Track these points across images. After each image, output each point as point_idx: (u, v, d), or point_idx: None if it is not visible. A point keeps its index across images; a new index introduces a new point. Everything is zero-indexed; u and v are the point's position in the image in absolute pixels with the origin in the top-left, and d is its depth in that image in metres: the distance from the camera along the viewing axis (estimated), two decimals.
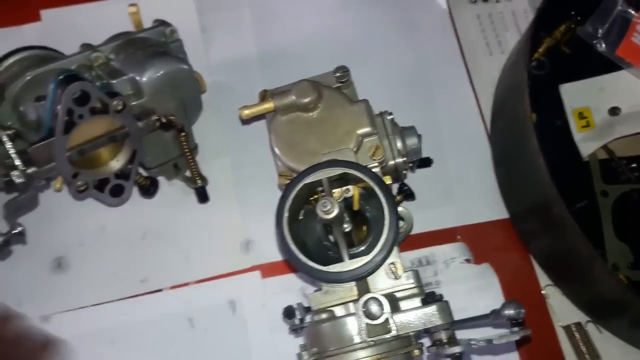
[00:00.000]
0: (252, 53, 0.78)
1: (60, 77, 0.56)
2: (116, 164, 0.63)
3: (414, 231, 0.70)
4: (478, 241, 0.71)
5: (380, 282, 0.54)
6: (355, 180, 0.56)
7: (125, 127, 0.60)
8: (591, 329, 0.68)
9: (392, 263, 0.54)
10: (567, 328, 0.68)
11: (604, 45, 0.72)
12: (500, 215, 0.73)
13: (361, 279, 0.53)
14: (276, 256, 0.69)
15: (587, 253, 0.60)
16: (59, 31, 0.77)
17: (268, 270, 0.69)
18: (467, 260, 0.69)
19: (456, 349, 0.48)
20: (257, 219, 0.70)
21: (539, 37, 0.77)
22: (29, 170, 0.57)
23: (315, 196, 0.59)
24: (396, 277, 0.54)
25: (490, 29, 0.81)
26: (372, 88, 0.70)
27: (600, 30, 0.72)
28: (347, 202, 0.60)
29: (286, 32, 0.78)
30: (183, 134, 0.64)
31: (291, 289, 0.68)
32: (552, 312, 0.69)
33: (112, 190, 0.63)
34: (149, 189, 0.67)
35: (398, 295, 0.53)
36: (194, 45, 0.76)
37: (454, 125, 0.76)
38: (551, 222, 0.64)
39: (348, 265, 0.52)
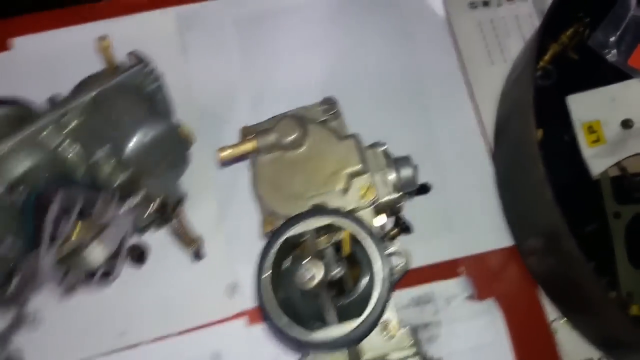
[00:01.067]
0: (238, 72, 0.73)
1: (33, 197, 0.51)
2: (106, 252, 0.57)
3: (414, 265, 0.65)
4: (482, 272, 0.67)
5: (374, 343, 0.50)
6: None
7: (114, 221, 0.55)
8: None
9: (385, 321, 0.50)
10: None
11: (615, 54, 0.66)
12: (506, 242, 0.68)
13: (351, 345, 0.49)
14: None
15: (597, 293, 0.56)
16: (34, 59, 0.72)
17: (255, 316, 0.65)
18: (470, 297, 0.65)
19: None
20: (244, 260, 0.65)
21: (545, 43, 0.72)
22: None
23: (303, 239, 0.55)
24: (391, 337, 0.50)
25: (491, 36, 0.76)
26: (365, 109, 0.67)
27: (611, 39, 0.66)
28: (336, 245, 0.55)
29: (274, 52, 0.73)
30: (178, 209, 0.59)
31: None
32: (561, 348, 0.64)
33: (102, 275, 0.58)
34: (138, 259, 0.63)
35: (393, 357, 0.49)
36: (176, 68, 0.72)
37: (454, 144, 0.71)
38: (559, 255, 0.60)
39: (337, 330, 0.48)
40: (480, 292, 0.65)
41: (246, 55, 0.73)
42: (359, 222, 0.49)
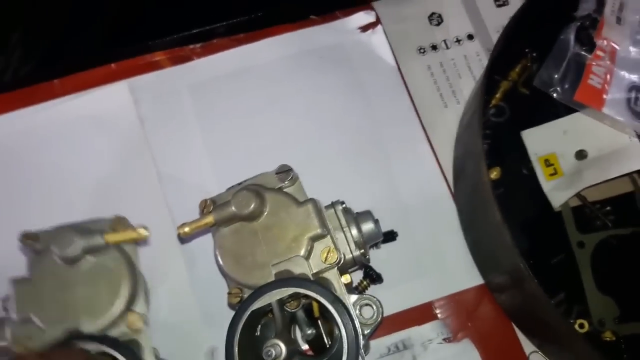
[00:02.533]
0: (197, 139, 0.74)
1: None
2: None
3: (388, 312, 0.67)
4: (456, 313, 0.68)
5: None
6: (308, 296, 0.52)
7: None
8: None
9: None
10: None
11: (560, 91, 0.68)
12: (477, 281, 0.69)
13: None
14: None
15: (565, 328, 0.57)
16: None
17: None
18: (446, 339, 0.66)
19: None
20: (219, 323, 0.66)
21: (495, 81, 0.74)
22: None
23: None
24: None
25: (442, 79, 0.78)
26: (326, 166, 0.68)
27: (555, 76, 0.68)
28: (306, 308, 0.56)
29: (230, 115, 0.74)
30: None
31: None
32: None
33: None
34: None
35: None
36: (135, 140, 0.72)
37: (416, 190, 0.72)
38: (525, 294, 0.61)
39: None
40: (456, 333, 0.66)
41: (203, 121, 0.74)
42: (322, 288, 0.50)
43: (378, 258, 0.67)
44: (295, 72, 0.76)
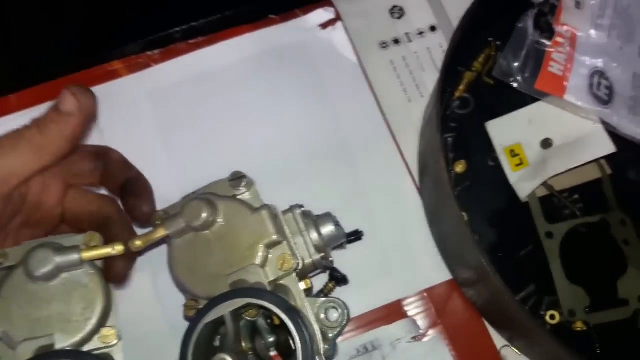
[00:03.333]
0: (158, 147, 0.73)
1: None
2: None
3: (356, 312, 0.66)
4: (426, 309, 0.67)
5: None
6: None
7: None
8: None
9: None
10: None
11: (521, 80, 0.67)
12: (446, 276, 0.68)
13: None
14: None
15: (532, 323, 0.56)
16: None
17: None
18: (414, 338, 0.65)
19: None
20: None
21: (458, 72, 0.73)
22: None
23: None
24: None
25: (406, 73, 0.76)
26: (288, 169, 0.67)
27: (515, 64, 0.67)
28: (266, 315, 0.56)
29: (189, 121, 0.73)
30: None
31: None
32: None
33: None
34: None
35: None
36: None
37: (381, 187, 0.71)
38: (490, 289, 0.60)
39: None
40: (426, 330, 0.66)
41: (163, 128, 0.73)
42: (275, 297, 0.49)
43: (344, 259, 0.66)
44: (256, 74, 0.75)
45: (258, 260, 0.53)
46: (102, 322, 0.54)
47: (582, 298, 0.65)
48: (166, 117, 0.73)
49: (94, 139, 0.72)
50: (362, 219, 0.69)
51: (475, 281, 0.63)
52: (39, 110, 0.71)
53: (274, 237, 0.54)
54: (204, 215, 0.53)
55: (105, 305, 0.54)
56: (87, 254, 0.53)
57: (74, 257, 0.53)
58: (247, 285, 0.52)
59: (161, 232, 0.54)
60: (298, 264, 0.55)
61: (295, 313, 0.48)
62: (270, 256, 0.54)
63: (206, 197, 0.55)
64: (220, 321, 0.51)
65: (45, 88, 0.74)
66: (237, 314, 0.51)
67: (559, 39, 0.67)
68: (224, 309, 0.49)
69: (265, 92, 0.74)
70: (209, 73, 0.75)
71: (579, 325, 0.65)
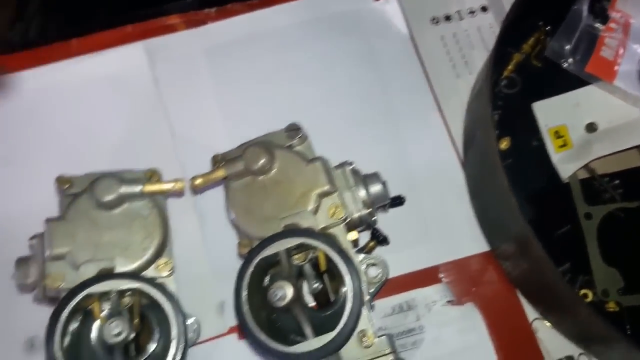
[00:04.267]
0: (211, 101, 0.75)
1: None
2: None
3: (394, 274, 0.67)
4: (461, 278, 0.68)
5: (352, 353, 0.51)
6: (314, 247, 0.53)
7: None
8: None
9: (362, 331, 0.52)
10: None
11: (571, 62, 0.68)
12: (482, 248, 0.69)
13: (330, 354, 0.50)
14: None
15: (570, 295, 0.57)
16: (4, 100, 0.74)
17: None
18: (450, 302, 0.67)
19: None
20: (229, 278, 0.67)
21: (507, 53, 0.74)
22: None
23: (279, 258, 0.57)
24: (368, 345, 0.51)
25: (455, 50, 0.78)
26: (336, 130, 0.68)
27: (567, 47, 0.68)
28: (313, 262, 0.57)
29: (244, 78, 0.75)
30: None
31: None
32: (542, 347, 0.66)
33: None
34: None
35: None
36: (149, 100, 0.74)
37: (425, 157, 0.72)
38: (530, 261, 0.61)
39: (315, 343, 0.50)
40: (460, 297, 0.67)
41: (216, 83, 0.75)
42: (328, 240, 0.51)
43: (385, 222, 0.67)
44: (307, 38, 0.76)
45: (310, 207, 0.55)
46: (158, 253, 0.56)
47: (616, 279, 0.66)
48: (220, 72, 0.75)
49: (148, 89, 0.74)
50: (404, 185, 0.70)
51: (515, 252, 0.64)
52: (97, 56, 0.75)
53: (327, 187, 0.56)
54: (262, 160, 0.55)
55: (162, 238, 0.56)
56: (149, 187, 0.55)
57: (137, 188, 0.55)
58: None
59: (220, 173, 0.56)
60: (348, 215, 0.56)
61: (346, 255, 0.50)
62: (321, 205, 0.56)
63: (264, 144, 0.56)
64: (270, 261, 0.53)
65: (105, 36, 0.76)
66: (288, 254, 0.53)
67: (612, 25, 0.68)
68: (280, 246, 0.51)
69: (317, 56, 0.76)
70: (262, 34, 0.77)
71: (612, 306, 0.66)
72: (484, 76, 0.66)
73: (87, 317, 0.57)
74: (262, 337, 0.49)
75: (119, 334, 0.50)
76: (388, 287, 0.66)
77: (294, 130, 0.59)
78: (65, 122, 0.74)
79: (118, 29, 0.76)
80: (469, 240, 0.70)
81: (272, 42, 0.76)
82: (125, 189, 0.55)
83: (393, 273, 0.67)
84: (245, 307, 0.50)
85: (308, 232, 0.52)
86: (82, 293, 0.52)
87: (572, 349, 0.66)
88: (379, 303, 0.66)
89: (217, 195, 0.70)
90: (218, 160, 0.58)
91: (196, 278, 0.67)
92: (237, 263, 0.64)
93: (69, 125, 0.74)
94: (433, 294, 0.67)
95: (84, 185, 0.58)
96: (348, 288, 0.50)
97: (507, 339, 0.66)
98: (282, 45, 0.76)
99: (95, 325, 0.56)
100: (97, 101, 0.74)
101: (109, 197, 0.55)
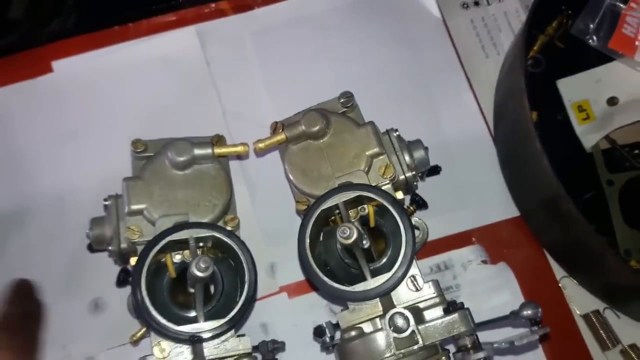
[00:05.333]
0: (259, 80, 0.80)
1: None
2: None
3: (431, 238, 0.72)
4: (493, 241, 0.74)
5: (403, 295, 0.57)
6: (369, 200, 0.59)
7: None
8: (609, 315, 0.71)
9: (413, 276, 0.57)
10: (586, 316, 0.70)
11: (596, 39, 0.74)
12: (512, 213, 0.75)
13: (385, 294, 0.56)
14: (300, 276, 0.72)
15: (598, 246, 0.63)
16: (73, 80, 0.80)
17: (294, 290, 0.72)
18: (484, 262, 0.72)
19: (481, 355, 0.50)
20: (278, 241, 0.73)
21: (533, 35, 0.80)
22: None
23: (333, 217, 0.62)
24: (417, 289, 0.57)
25: (484, 32, 0.84)
26: (376, 105, 0.73)
27: (591, 26, 0.74)
28: (363, 220, 0.63)
29: (289, 59, 0.81)
30: None
31: (318, 305, 0.71)
32: (570, 303, 0.71)
33: None
34: None
35: (421, 305, 0.56)
36: (202, 79, 0.80)
37: (458, 130, 0.78)
38: (560, 218, 0.67)
39: (371, 283, 0.55)
40: (493, 258, 0.72)
41: (264, 64, 0.81)
42: (383, 192, 0.56)
43: (422, 189, 0.73)
44: (347, 21, 0.82)
45: (363, 167, 0.61)
46: (225, 210, 0.62)
47: (637, 240, 0.72)
48: (266, 54, 0.81)
49: (201, 69, 0.80)
50: (439, 156, 0.76)
51: (544, 213, 0.70)
52: (153, 38, 0.80)
53: (377, 149, 0.62)
54: (320, 124, 0.61)
55: (229, 196, 0.62)
56: (219, 150, 0.61)
57: (208, 150, 0.61)
58: None
59: (281, 137, 0.62)
60: (395, 175, 0.62)
61: (400, 205, 0.56)
62: (372, 165, 0.62)
63: (321, 110, 0.62)
64: (327, 215, 0.59)
65: (159, 20, 0.82)
66: (345, 208, 0.58)
67: (633, 4, 0.74)
68: (340, 198, 0.57)
69: (356, 38, 0.82)
70: (305, 18, 0.83)
71: (634, 264, 0.71)
72: (515, 51, 0.72)
73: (158, 271, 0.62)
74: (325, 278, 0.55)
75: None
76: (426, 249, 0.72)
77: (347, 97, 0.64)
78: (125, 99, 0.80)
79: (171, 14, 0.82)
80: (500, 207, 0.75)
81: (314, 25, 0.82)
82: (197, 151, 0.61)
83: (430, 237, 0.72)
84: (308, 252, 0.56)
85: (364, 186, 0.58)
86: (166, 239, 0.57)
87: (598, 304, 0.71)
88: (419, 263, 0.71)
89: (263, 165, 0.76)
90: (277, 127, 0.64)
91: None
92: (285, 228, 0.71)
93: (130, 102, 0.80)
94: (468, 254, 0.72)
95: (156, 148, 0.63)
96: (402, 233, 0.55)
97: (537, 295, 0.71)
98: (323, 28, 0.82)
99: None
100: (154, 80, 0.80)
101: (182, 158, 0.61)
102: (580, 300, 0.71)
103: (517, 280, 0.72)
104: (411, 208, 0.71)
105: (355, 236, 0.53)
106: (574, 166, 0.76)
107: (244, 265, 0.57)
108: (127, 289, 0.65)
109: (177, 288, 0.63)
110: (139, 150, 0.64)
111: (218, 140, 0.63)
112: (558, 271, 0.73)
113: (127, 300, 0.69)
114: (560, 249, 0.72)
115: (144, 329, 0.63)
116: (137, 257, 0.57)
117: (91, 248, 0.72)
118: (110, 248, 0.62)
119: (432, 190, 0.74)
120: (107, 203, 0.64)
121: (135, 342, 0.64)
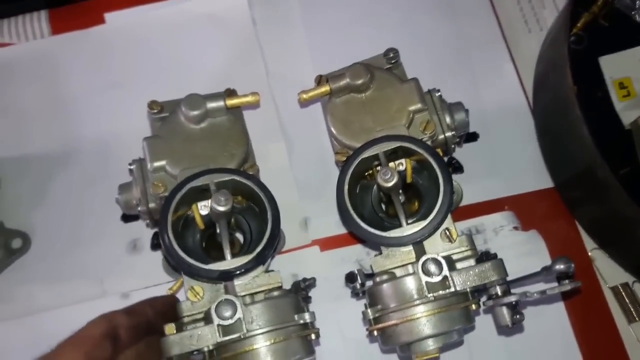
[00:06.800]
0: (302, 41, 0.82)
1: None
2: None
3: (464, 202, 0.74)
4: (525, 210, 0.75)
5: (437, 246, 0.58)
6: (408, 154, 0.60)
7: None
8: (638, 288, 0.71)
9: (447, 228, 0.58)
10: (614, 288, 0.71)
11: None
12: (546, 184, 0.76)
13: (419, 242, 0.57)
14: (332, 231, 0.74)
15: (631, 214, 0.63)
16: (123, 32, 0.83)
17: (325, 244, 0.74)
18: (515, 228, 0.73)
19: (512, 298, 0.52)
20: (313, 197, 0.75)
21: (577, 12, 0.80)
22: None
23: (370, 171, 0.64)
24: (451, 241, 0.58)
25: (528, 7, 0.84)
26: (418, 70, 0.74)
27: (637, 1, 0.74)
28: (400, 176, 0.64)
29: (333, 22, 0.82)
30: None
31: (348, 260, 0.73)
32: (599, 275, 0.72)
33: None
34: None
35: (454, 257, 0.57)
36: (247, 39, 0.81)
37: (497, 101, 0.79)
38: (596, 187, 0.68)
39: (407, 230, 0.57)
40: (524, 226, 0.73)
41: (308, 26, 0.83)
42: (424, 144, 0.58)
43: (459, 155, 0.74)
44: None
45: (404, 122, 0.62)
46: (245, 159, 0.63)
47: None
48: (311, 16, 0.83)
49: (247, 28, 0.82)
50: (477, 124, 0.76)
51: (580, 182, 0.70)
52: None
53: (419, 105, 0.63)
54: (364, 77, 0.62)
55: (246, 146, 0.64)
56: (230, 101, 0.63)
57: (220, 103, 0.63)
58: None
59: (325, 88, 0.63)
60: (436, 132, 0.63)
61: (439, 157, 0.57)
62: (414, 120, 0.63)
63: (366, 64, 0.64)
64: (366, 167, 0.60)
65: None
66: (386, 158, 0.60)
67: None
68: (379, 149, 0.58)
69: (400, 6, 0.83)
70: None
71: None
72: (559, 24, 0.73)
73: (189, 228, 0.64)
74: (361, 222, 0.57)
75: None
76: (459, 212, 0.73)
77: (392, 53, 0.66)
78: (171, 55, 0.82)
79: None
80: (534, 178, 0.76)
81: None
82: (210, 104, 0.63)
83: (464, 202, 0.74)
84: (346, 197, 0.58)
85: (404, 137, 0.59)
86: (188, 185, 0.59)
87: (627, 277, 0.72)
88: None
89: (302, 122, 0.78)
90: (322, 80, 0.65)
91: (284, 197, 0.74)
92: (320, 185, 0.73)
93: (174, 58, 0.82)
94: (501, 219, 0.73)
95: (172, 108, 0.65)
96: (441, 184, 0.57)
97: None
98: None
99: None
100: (200, 38, 0.83)
101: (196, 112, 0.63)
102: (609, 272, 0.72)
103: (547, 248, 0.72)
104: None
105: (395, 179, 0.54)
106: (612, 142, 0.75)
107: (265, 203, 0.58)
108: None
109: (209, 243, 0.65)
110: (155, 111, 0.66)
111: (230, 92, 0.65)
112: (589, 243, 0.73)
113: (161, 262, 0.72)
114: (593, 221, 0.73)
115: (180, 281, 0.65)
116: (159, 213, 0.59)
117: (125, 218, 0.75)
118: (139, 209, 0.65)
119: (468, 157, 0.75)
120: (131, 167, 0.67)
121: (173, 294, 0.67)
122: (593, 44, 0.79)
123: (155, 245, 0.72)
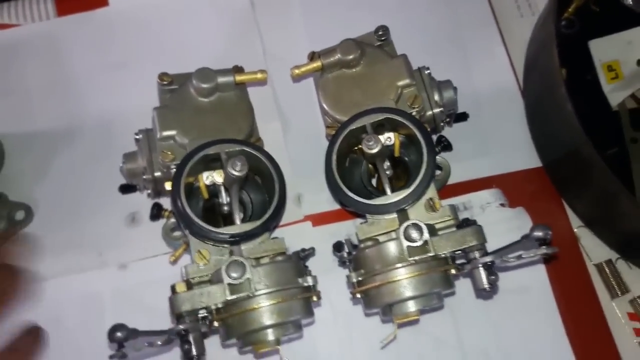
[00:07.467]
0: (300, 24, 0.84)
1: None
2: None
3: (452, 180, 0.76)
4: (513, 188, 0.76)
5: (420, 215, 0.60)
6: (395, 128, 0.62)
7: None
8: (621, 265, 0.73)
9: (430, 198, 0.60)
10: (598, 265, 0.73)
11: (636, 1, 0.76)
12: (534, 164, 0.78)
13: (403, 210, 0.59)
14: (324, 207, 0.76)
15: (615, 190, 0.65)
16: (126, 14, 0.85)
17: (317, 220, 0.76)
18: (502, 205, 0.75)
19: (488, 258, 0.54)
20: (306, 174, 0.77)
21: None
22: None
23: (359, 146, 0.66)
24: (434, 210, 0.60)
25: None
26: (411, 51, 0.76)
27: None
28: (384, 146, 0.66)
29: (330, 1, 0.85)
30: None
31: (338, 235, 0.74)
32: (584, 252, 0.74)
33: None
34: None
35: (437, 226, 0.59)
36: (246, 20, 0.84)
37: (488, 82, 0.81)
38: (581, 166, 0.69)
39: (391, 197, 0.59)
40: (511, 203, 0.75)
41: (306, 9, 0.85)
42: (409, 115, 0.60)
43: (448, 134, 0.76)
44: None
45: (393, 96, 0.64)
46: (251, 133, 0.66)
47: None
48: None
49: (245, 9, 0.84)
50: (468, 105, 0.78)
51: (567, 163, 0.72)
52: None
53: (408, 80, 0.65)
54: (354, 53, 0.65)
55: (252, 121, 0.67)
56: (239, 77, 0.66)
57: (230, 78, 0.65)
58: None
59: (318, 64, 0.66)
60: (423, 107, 0.65)
61: (424, 128, 0.59)
62: (402, 95, 0.65)
63: (356, 40, 0.66)
64: (356, 138, 0.62)
65: None
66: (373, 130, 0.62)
67: None
68: (367, 120, 0.60)
69: None
70: None
71: None
72: (549, 5, 0.75)
73: (192, 194, 0.66)
74: (347, 190, 0.59)
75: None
76: (446, 190, 0.75)
77: (382, 31, 0.68)
78: (172, 36, 0.85)
79: None
80: (522, 157, 0.78)
81: None
82: (220, 78, 0.66)
83: (451, 180, 0.75)
84: (334, 167, 0.60)
85: (392, 109, 0.61)
86: (201, 152, 0.61)
87: (611, 255, 0.73)
88: None
89: (297, 102, 0.80)
90: (315, 56, 0.68)
91: None
92: (314, 162, 0.75)
93: (176, 39, 0.84)
94: (488, 196, 0.75)
95: (182, 81, 0.68)
96: (424, 153, 0.59)
97: (553, 242, 0.73)
98: None
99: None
100: (200, 20, 0.85)
101: (207, 85, 0.65)
102: (594, 250, 0.74)
103: (534, 223, 0.74)
104: (436, 149, 0.74)
105: (379, 147, 0.56)
106: (599, 123, 0.77)
107: (273, 175, 0.61)
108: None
109: (207, 215, 0.67)
110: (165, 82, 0.68)
111: (238, 70, 0.68)
112: (575, 221, 0.75)
113: (161, 231, 0.74)
114: (579, 198, 0.74)
115: (182, 248, 0.68)
116: (172, 178, 0.62)
117: (123, 189, 0.77)
118: (144, 177, 0.67)
119: (457, 136, 0.76)
120: (138, 137, 0.69)
121: (174, 261, 0.70)
122: (584, 28, 0.81)
123: (154, 216, 0.74)
